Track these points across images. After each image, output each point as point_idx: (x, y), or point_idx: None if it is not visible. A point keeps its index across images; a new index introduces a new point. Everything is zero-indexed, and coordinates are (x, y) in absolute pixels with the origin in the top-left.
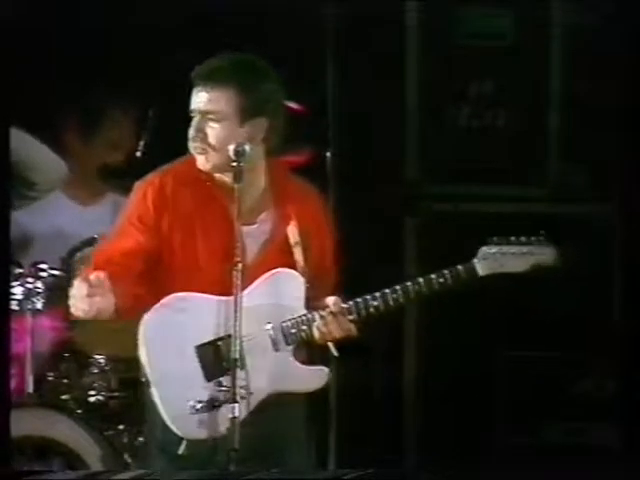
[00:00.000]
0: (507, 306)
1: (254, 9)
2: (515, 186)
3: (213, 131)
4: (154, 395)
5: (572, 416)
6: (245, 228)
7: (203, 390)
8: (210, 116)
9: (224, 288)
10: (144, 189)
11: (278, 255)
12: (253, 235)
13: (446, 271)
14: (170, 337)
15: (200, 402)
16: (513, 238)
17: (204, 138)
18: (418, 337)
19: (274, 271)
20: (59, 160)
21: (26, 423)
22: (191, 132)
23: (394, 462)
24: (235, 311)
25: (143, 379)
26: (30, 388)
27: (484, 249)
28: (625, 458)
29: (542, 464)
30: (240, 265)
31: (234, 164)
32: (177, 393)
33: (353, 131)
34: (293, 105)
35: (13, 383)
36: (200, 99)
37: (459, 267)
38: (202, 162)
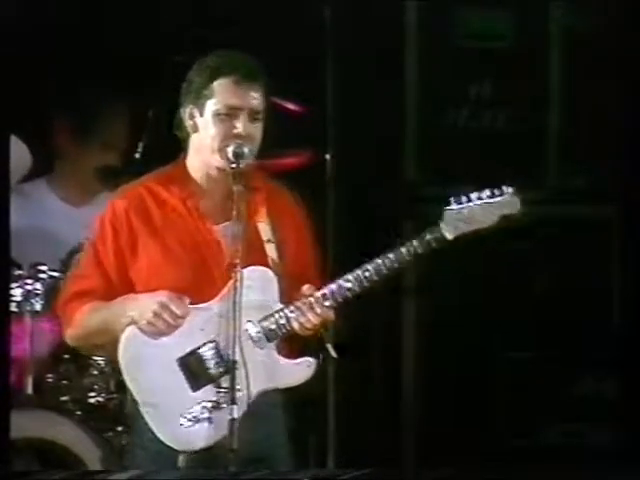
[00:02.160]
0: (506, 307)
1: (254, 9)
2: (515, 187)
3: (257, 130)
4: (145, 415)
5: (571, 418)
6: (219, 227)
7: (192, 401)
8: (256, 115)
9: (198, 295)
10: (102, 217)
11: (254, 252)
12: (227, 233)
13: (415, 241)
14: (149, 355)
15: (191, 413)
16: (475, 194)
17: (251, 136)
18: (417, 338)
19: (245, 270)
20: (23, 147)
21: (25, 424)
22: (240, 130)
23: (393, 463)
24: (234, 311)
25: (132, 399)
26: (29, 389)
27: (448, 212)
28: (624, 460)
29: (541, 465)
30: (239, 266)
31: (233, 165)
32: (166, 408)
33: (352, 133)
34: (292, 106)
35: (12, 384)
36: (249, 97)
37: (427, 235)
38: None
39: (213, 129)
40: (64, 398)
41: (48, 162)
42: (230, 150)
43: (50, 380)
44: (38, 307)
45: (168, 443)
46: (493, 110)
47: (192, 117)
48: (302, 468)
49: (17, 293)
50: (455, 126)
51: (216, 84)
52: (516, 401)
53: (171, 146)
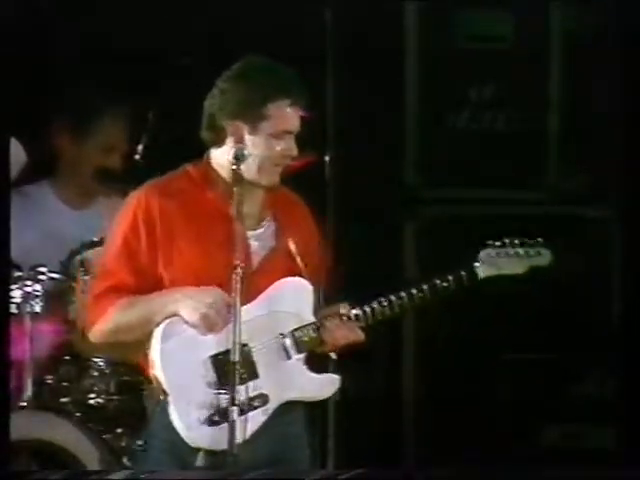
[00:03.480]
0: (506, 309)
1: (253, 11)
2: (514, 189)
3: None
4: (170, 409)
5: (571, 418)
6: (250, 232)
7: (218, 401)
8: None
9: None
10: (132, 206)
11: (284, 262)
12: (259, 239)
13: (449, 275)
14: (184, 349)
15: (216, 413)
16: (509, 241)
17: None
18: (417, 337)
19: (284, 280)
20: (19, 147)
21: (25, 426)
22: (293, 152)
23: (393, 463)
24: (235, 314)
25: (161, 396)
26: (29, 391)
27: (483, 253)
28: (624, 460)
29: (541, 467)
30: (240, 269)
31: (234, 167)
32: (192, 404)
33: (352, 135)
34: None
35: (12, 386)
36: (297, 119)
37: (461, 271)
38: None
39: (264, 149)
40: (64, 400)
41: (50, 164)
42: (231, 152)
43: (50, 382)
44: (38, 309)
45: (187, 440)
46: (493, 111)
47: (238, 131)
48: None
49: (17, 295)
50: (455, 127)
51: (273, 106)
52: (516, 402)
53: (171, 147)
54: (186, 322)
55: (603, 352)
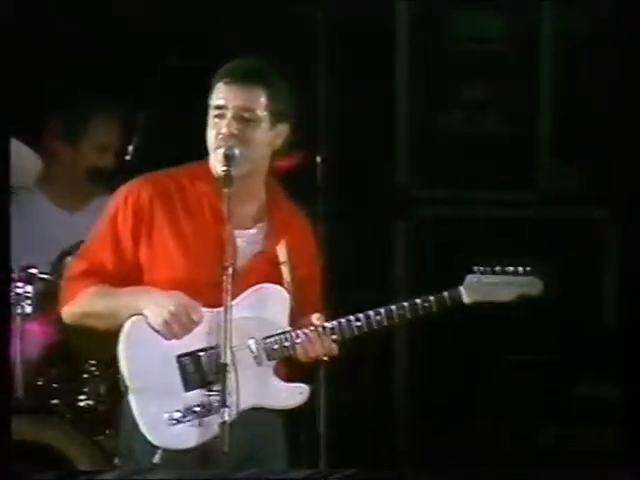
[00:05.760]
0: (505, 309)
1: (245, 11)
2: (507, 190)
3: (249, 131)
4: (132, 404)
5: (569, 420)
6: (240, 231)
7: (181, 400)
8: (246, 115)
9: (207, 296)
10: (125, 196)
11: (268, 267)
12: (247, 240)
13: (431, 297)
14: (150, 346)
15: (178, 412)
16: (499, 268)
17: (241, 138)
18: (411, 336)
19: (261, 285)
20: (34, 156)
21: (16, 427)
22: (223, 130)
23: (386, 463)
24: (225, 315)
25: (122, 388)
26: (20, 392)
27: (470, 277)
28: (623, 461)
29: (539, 468)
30: (231, 269)
31: (224, 168)
32: (155, 403)
33: (343, 135)
34: None
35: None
36: (236, 97)
37: (445, 294)
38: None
39: (208, 131)
40: (54, 401)
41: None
42: (220, 152)
43: (40, 383)
44: (28, 310)
45: (147, 436)
46: (486, 112)
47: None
48: (294, 468)
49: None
50: (448, 128)
51: (215, 85)
52: (514, 403)
53: (163, 148)
54: (149, 324)
55: (603, 352)
